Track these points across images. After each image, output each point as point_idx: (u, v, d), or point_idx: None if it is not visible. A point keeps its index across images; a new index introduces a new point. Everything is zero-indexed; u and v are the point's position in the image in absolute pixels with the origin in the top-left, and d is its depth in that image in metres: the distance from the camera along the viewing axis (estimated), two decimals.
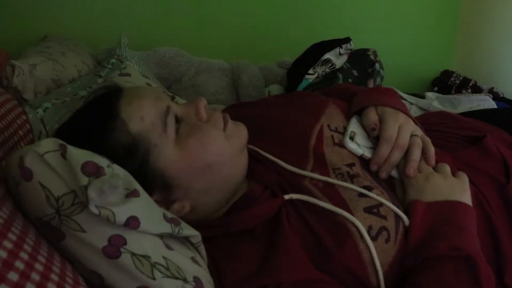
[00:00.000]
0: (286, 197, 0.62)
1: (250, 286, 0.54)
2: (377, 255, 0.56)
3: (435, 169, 0.68)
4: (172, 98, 0.67)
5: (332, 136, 0.70)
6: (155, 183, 0.59)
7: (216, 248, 0.59)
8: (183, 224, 0.53)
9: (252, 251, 0.58)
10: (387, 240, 0.58)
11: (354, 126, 0.72)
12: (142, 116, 0.58)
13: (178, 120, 0.61)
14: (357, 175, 0.65)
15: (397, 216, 0.60)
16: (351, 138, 0.69)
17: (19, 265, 0.35)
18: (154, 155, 0.58)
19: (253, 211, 0.60)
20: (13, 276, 0.34)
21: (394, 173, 0.68)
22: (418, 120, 0.75)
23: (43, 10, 1.47)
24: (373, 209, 0.60)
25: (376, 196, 0.61)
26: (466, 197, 0.64)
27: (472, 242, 0.58)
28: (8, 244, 0.36)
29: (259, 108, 0.83)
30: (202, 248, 0.56)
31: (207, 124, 0.63)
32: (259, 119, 0.77)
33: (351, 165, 0.67)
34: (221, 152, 0.62)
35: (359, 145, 0.69)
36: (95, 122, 0.58)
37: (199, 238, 0.55)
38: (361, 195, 0.61)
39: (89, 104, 0.63)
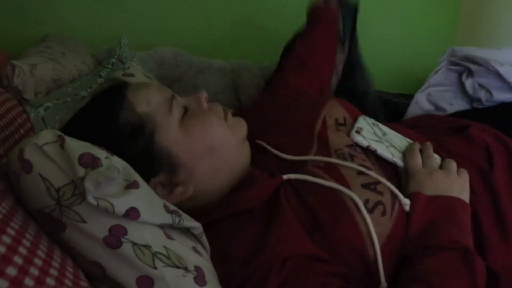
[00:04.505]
0: (285, 177, 0.63)
1: (255, 264, 0.54)
2: (374, 227, 0.58)
3: (441, 165, 0.70)
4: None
5: (334, 123, 0.74)
6: (160, 163, 0.61)
7: (217, 233, 0.60)
8: (184, 215, 0.54)
9: (252, 231, 0.59)
10: (383, 214, 0.60)
11: (361, 123, 0.75)
12: (149, 100, 0.62)
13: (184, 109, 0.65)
14: (357, 155, 0.68)
15: (393, 194, 0.63)
16: (357, 132, 0.72)
17: (18, 260, 0.35)
18: (160, 134, 0.61)
19: (251, 190, 0.62)
20: (11, 271, 0.34)
21: (399, 162, 0.70)
22: (409, 122, 0.77)
23: (43, 10, 1.47)
24: (371, 186, 0.62)
25: (374, 174, 0.64)
26: (465, 195, 0.66)
27: (469, 239, 0.61)
28: (6, 239, 0.36)
29: (261, 107, 0.87)
30: (204, 239, 0.57)
31: (209, 112, 0.66)
32: (263, 114, 0.81)
33: (352, 146, 0.70)
34: (223, 137, 0.65)
35: (364, 138, 0.72)
36: (104, 106, 0.62)
37: (201, 229, 0.56)
38: (360, 173, 0.64)
39: (96, 96, 0.65)
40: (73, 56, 1.26)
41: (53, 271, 0.38)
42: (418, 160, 0.69)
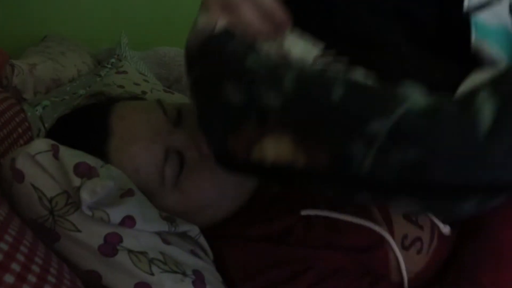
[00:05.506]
0: (303, 213, 0.57)
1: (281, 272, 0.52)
2: (406, 264, 0.55)
3: None
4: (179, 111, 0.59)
5: None
6: None
7: (231, 245, 0.57)
8: (178, 220, 0.52)
9: (270, 251, 0.55)
10: (418, 252, 0.56)
11: None
12: (137, 169, 0.52)
13: (179, 159, 0.55)
14: None
15: (433, 224, 0.58)
16: None
17: (15, 267, 0.35)
18: (153, 203, 0.53)
19: (262, 227, 0.57)
20: (9, 279, 0.33)
21: None
22: None
23: (43, 10, 1.47)
24: (412, 217, 0.57)
25: None
26: None
27: None
28: (4, 246, 0.36)
29: None
30: (202, 240, 0.54)
31: (207, 162, 0.53)
32: None
33: None
34: (222, 191, 0.57)
35: None
36: None
37: (197, 231, 0.54)
38: None
39: (73, 141, 0.54)
40: (73, 56, 1.26)
41: (51, 278, 0.37)
42: None
